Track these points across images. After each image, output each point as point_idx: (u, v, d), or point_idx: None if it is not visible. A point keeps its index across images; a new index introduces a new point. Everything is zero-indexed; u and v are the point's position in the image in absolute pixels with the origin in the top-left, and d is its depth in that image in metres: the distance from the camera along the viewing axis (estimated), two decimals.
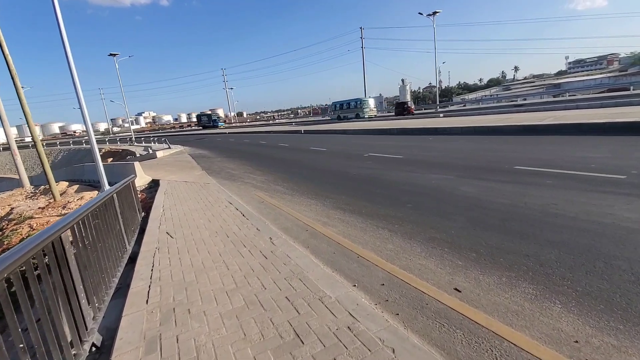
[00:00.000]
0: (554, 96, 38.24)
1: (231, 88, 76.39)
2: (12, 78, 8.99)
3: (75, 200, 9.92)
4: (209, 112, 68.48)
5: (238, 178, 9.69)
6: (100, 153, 10.78)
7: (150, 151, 20.67)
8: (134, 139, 38.06)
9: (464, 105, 42.40)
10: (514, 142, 10.24)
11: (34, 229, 7.96)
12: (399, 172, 7.74)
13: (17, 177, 17.38)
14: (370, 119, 36.22)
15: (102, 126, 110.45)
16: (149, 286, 3.26)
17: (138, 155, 21.76)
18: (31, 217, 8.97)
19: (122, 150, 28.90)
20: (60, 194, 11.81)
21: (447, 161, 8.34)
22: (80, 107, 8.55)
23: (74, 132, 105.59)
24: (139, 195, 7.36)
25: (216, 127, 59.58)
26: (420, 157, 9.51)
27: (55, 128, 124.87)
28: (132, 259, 4.14)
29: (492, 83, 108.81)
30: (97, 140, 9.34)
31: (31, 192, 14.95)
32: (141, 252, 4.23)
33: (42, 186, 15.04)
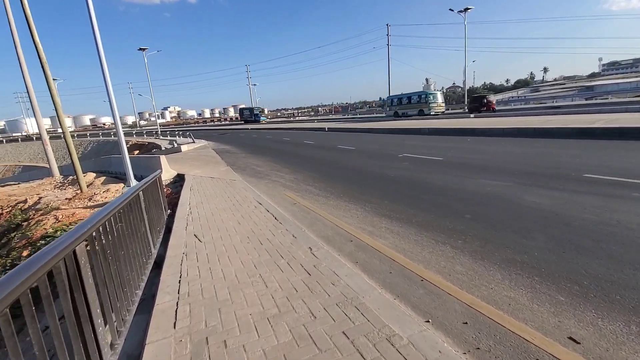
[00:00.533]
0: (587, 99, 35.51)
1: (254, 84, 75.71)
2: (42, 66, 8.87)
3: (101, 192, 9.78)
4: (251, 106, 63.83)
5: (265, 176, 9.23)
6: (127, 145, 10.66)
7: (175, 145, 20.70)
8: (159, 132, 38.68)
9: None
10: (571, 146, 9.22)
11: (59, 220, 7.79)
12: (442, 175, 7.01)
13: (48, 166, 17.76)
14: (437, 115, 29.43)
15: (130, 119, 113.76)
16: (177, 303, 2.77)
17: (163, 148, 21.89)
18: (57, 208, 8.86)
19: (148, 143, 29.34)
20: (88, 185, 11.78)
21: (497, 165, 7.51)
22: (110, 101, 8.39)
23: (104, 124, 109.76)
24: (165, 190, 7.01)
25: (258, 121, 55.09)
26: (463, 159, 8.68)
27: (87, 120, 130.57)
28: (158, 264, 3.71)
29: (520, 84, 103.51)
30: (124, 133, 9.18)
31: (60, 182, 15.16)
32: (167, 257, 3.78)
33: (71, 176, 15.22)
